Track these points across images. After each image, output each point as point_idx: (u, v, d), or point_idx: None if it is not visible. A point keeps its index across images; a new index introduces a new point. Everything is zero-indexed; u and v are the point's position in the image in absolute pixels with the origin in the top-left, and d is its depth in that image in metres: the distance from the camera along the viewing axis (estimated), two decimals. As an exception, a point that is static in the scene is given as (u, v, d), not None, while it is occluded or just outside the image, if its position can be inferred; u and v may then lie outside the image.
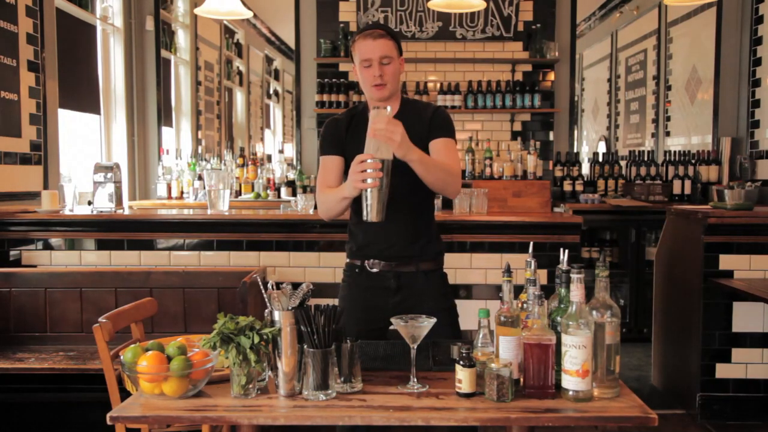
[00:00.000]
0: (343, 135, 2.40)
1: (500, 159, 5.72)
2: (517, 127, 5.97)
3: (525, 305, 1.83)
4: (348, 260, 2.47)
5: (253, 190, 5.75)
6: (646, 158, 5.62)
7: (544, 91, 5.88)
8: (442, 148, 2.38)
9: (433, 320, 1.85)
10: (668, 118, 6.60)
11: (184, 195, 5.58)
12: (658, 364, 4.06)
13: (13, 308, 3.29)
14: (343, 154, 2.39)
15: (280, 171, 5.89)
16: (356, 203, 2.33)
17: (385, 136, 2.04)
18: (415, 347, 1.82)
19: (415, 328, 1.82)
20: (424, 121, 2.38)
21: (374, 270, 2.38)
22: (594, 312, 1.73)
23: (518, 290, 1.88)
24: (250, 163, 5.89)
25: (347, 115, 2.45)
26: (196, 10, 4.76)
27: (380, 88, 2.32)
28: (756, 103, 5.20)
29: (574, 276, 1.71)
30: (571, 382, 1.68)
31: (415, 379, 1.80)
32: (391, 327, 2.41)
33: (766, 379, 3.54)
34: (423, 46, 5.89)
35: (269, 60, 9.60)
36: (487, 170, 5.59)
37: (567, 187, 5.48)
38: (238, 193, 5.76)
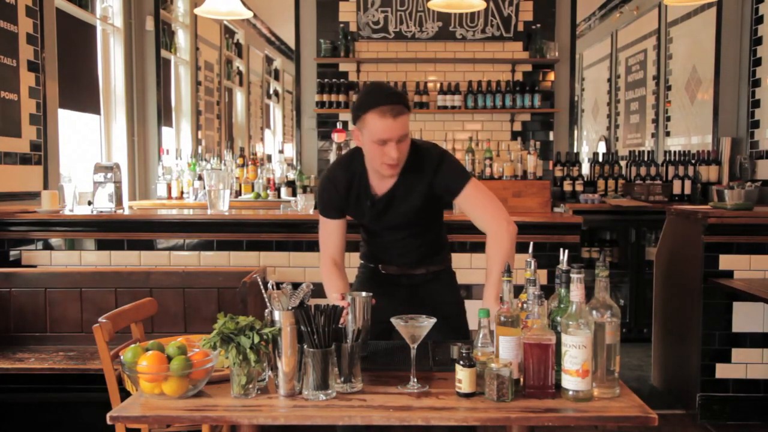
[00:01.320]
0: (342, 200, 2.33)
1: (500, 159, 5.73)
2: (517, 127, 5.97)
3: (525, 305, 1.83)
4: (362, 261, 2.57)
5: (253, 190, 5.75)
6: (646, 158, 5.62)
7: (544, 91, 5.88)
8: (471, 197, 2.25)
9: (433, 320, 1.85)
10: (668, 118, 6.60)
11: (184, 195, 5.58)
12: (658, 364, 4.06)
13: (13, 308, 3.29)
14: (343, 216, 2.38)
15: (280, 171, 5.90)
16: (364, 233, 2.48)
17: None
18: (415, 347, 1.82)
19: (414, 328, 1.82)
20: (426, 177, 2.26)
21: (385, 272, 2.47)
22: (594, 312, 1.73)
23: (518, 290, 1.88)
24: (250, 163, 5.89)
25: (345, 178, 2.31)
26: (196, 10, 4.76)
27: (393, 168, 2.19)
28: (756, 103, 5.20)
29: (574, 276, 1.71)
30: (571, 382, 1.68)
31: (415, 380, 1.81)
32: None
33: (766, 379, 3.54)
34: (423, 46, 5.89)
35: (269, 60, 9.60)
36: (487, 170, 5.59)
37: (567, 187, 5.48)
38: (238, 193, 5.76)
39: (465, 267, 3.56)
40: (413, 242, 2.41)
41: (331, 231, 2.39)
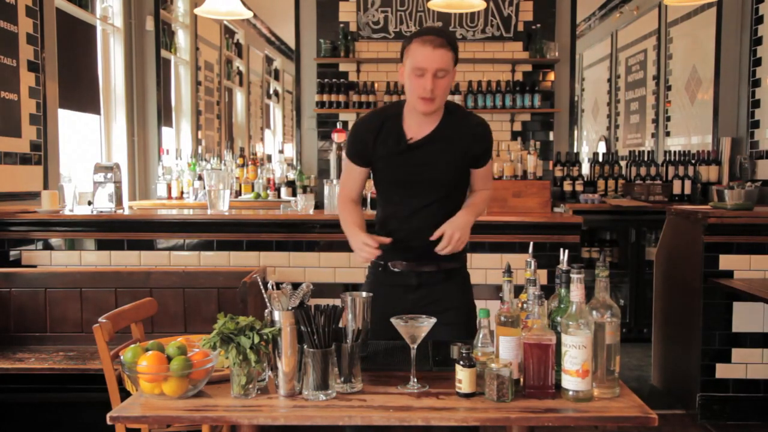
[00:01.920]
0: (370, 143, 2.30)
1: (500, 159, 5.72)
2: (517, 127, 5.97)
3: (525, 305, 1.83)
4: (372, 259, 2.44)
5: (253, 190, 5.75)
6: (646, 158, 5.62)
7: (544, 91, 5.88)
8: (486, 171, 2.40)
9: (433, 320, 1.85)
10: (668, 118, 6.60)
11: (184, 195, 5.58)
12: (658, 364, 4.06)
13: (13, 308, 3.29)
14: (367, 164, 2.36)
15: (280, 171, 5.90)
16: (381, 211, 2.42)
17: (455, 247, 2.21)
18: (415, 347, 1.82)
19: (414, 328, 1.82)
20: (468, 139, 2.29)
21: (396, 270, 2.37)
22: (594, 312, 1.73)
23: (518, 290, 1.88)
24: (250, 163, 5.89)
25: (378, 120, 2.31)
26: (196, 10, 4.76)
27: (428, 103, 2.17)
28: (756, 103, 5.20)
29: (574, 276, 1.71)
30: (571, 382, 1.68)
31: (415, 380, 1.80)
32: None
33: (766, 379, 3.54)
34: (423, 46, 5.88)
35: (269, 60, 9.60)
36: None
37: (567, 187, 5.48)
38: (238, 193, 5.76)
39: (465, 267, 3.56)
40: (432, 216, 2.28)
41: (351, 173, 2.40)
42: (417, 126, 2.27)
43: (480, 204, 2.40)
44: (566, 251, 1.84)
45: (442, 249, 2.22)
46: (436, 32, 2.17)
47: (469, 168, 2.36)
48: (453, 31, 2.37)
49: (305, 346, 1.72)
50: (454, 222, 2.25)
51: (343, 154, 2.41)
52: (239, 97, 8.49)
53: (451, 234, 2.20)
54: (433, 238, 2.24)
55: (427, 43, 2.13)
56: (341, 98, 5.79)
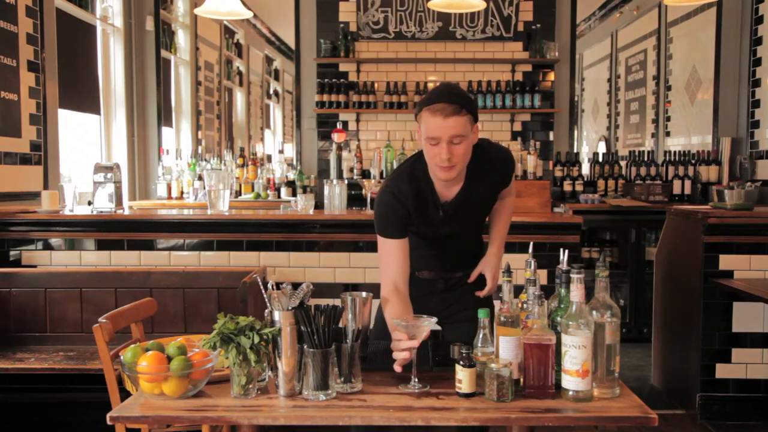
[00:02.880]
0: (408, 215, 2.18)
1: (500, 159, 5.72)
2: (517, 127, 5.97)
3: (525, 305, 1.83)
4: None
5: (253, 190, 5.75)
6: (646, 158, 5.62)
7: (544, 91, 5.87)
8: (510, 186, 2.41)
9: (434, 320, 1.85)
10: (668, 118, 6.60)
11: (184, 195, 5.58)
12: (658, 364, 4.06)
13: (13, 308, 3.29)
14: (405, 234, 2.20)
15: (280, 171, 5.90)
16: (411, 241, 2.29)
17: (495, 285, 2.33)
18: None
19: (414, 327, 1.82)
20: (495, 176, 2.28)
21: (422, 277, 2.40)
22: (594, 312, 1.73)
23: (518, 290, 1.88)
24: (250, 163, 5.89)
25: (412, 188, 2.17)
26: (196, 10, 4.76)
27: (446, 171, 2.07)
28: (756, 103, 5.20)
29: (574, 276, 1.71)
30: (571, 382, 1.68)
31: (416, 379, 1.81)
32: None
33: (766, 379, 3.54)
34: (423, 46, 5.89)
35: (269, 60, 9.60)
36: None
37: (567, 187, 5.48)
38: (238, 193, 5.76)
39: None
40: (460, 245, 2.37)
41: (392, 251, 2.17)
42: (446, 187, 2.20)
43: (505, 228, 2.47)
44: (566, 251, 1.84)
45: (486, 293, 2.37)
46: (446, 98, 2.04)
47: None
48: (464, 92, 2.18)
49: (305, 346, 1.72)
50: (490, 262, 2.38)
51: (377, 236, 2.22)
52: (239, 97, 8.49)
53: (493, 277, 2.36)
54: (471, 280, 2.38)
55: (438, 113, 2.02)
56: (341, 98, 5.79)
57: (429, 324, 1.83)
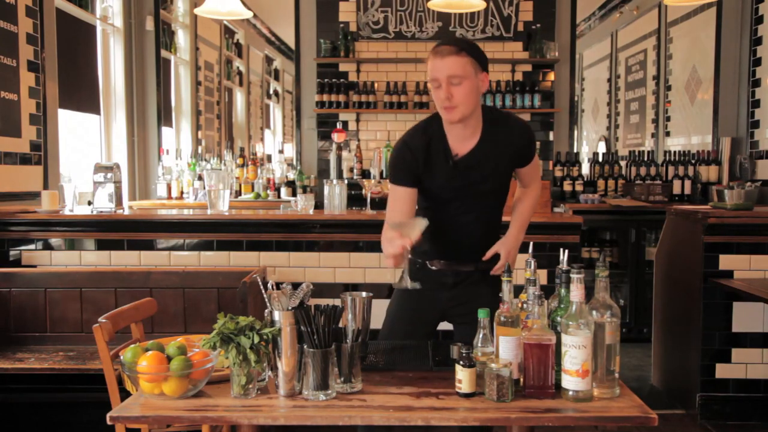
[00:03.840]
0: (419, 164, 2.24)
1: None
2: (517, 127, 5.96)
3: (525, 305, 1.83)
4: (410, 257, 2.33)
5: (253, 190, 5.75)
6: (646, 158, 5.62)
7: (544, 91, 5.88)
8: (532, 168, 2.40)
9: (425, 220, 1.98)
10: (668, 118, 6.60)
11: (184, 195, 5.58)
12: (658, 364, 4.06)
13: (13, 308, 3.29)
14: (415, 184, 2.27)
15: (280, 171, 5.89)
16: (422, 212, 2.33)
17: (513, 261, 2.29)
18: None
19: (406, 226, 1.91)
20: (513, 146, 2.28)
21: (434, 268, 2.37)
22: (594, 312, 1.73)
23: (518, 290, 1.88)
24: (250, 163, 5.89)
25: (424, 138, 2.25)
26: (196, 10, 4.76)
27: (449, 111, 2.14)
28: (756, 103, 5.20)
29: (574, 276, 1.71)
30: (571, 382, 1.68)
31: (408, 278, 1.99)
32: (439, 327, 2.44)
33: (766, 379, 3.54)
34: (423, 46, 5.89)
35: (269, 60, 9.61)
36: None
37: (567, 187, 5.47)
38: (238, 193, 5.76)
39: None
40: (472, 227, 2.31)
41: (399, 197, 2.26)
42: (460, 141, 2.24)
43: (528, 213, 2.44)
44: (566, 251, 1.84)
45: (499, 269, 2.31)
46: (447, 42, 2.16)
47: (513, 169, 2.37)
48: (470, 41, 2.26)
49: (305, 346, 1.72)
50: (508, 242, 2.35)
51: (388, 183, 2.30)
52: (239, 97, 8.49)
53: (507, 254, 2.31)
54: (486, 258, 2.32)
55: (437, 54, 2.12)
56: (341, 98, 5.79)
57: (421, 223, 1.86)
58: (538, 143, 5.64)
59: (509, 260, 2.30)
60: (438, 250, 2.35)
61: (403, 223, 1.87)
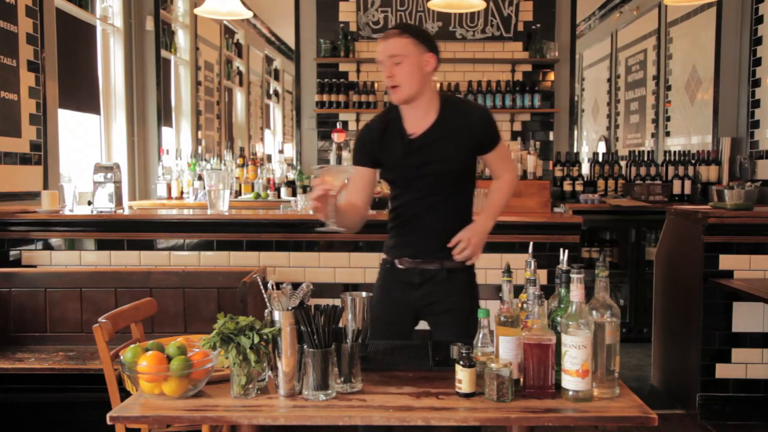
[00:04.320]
0: (377, 143, 2.34)
1: (500, 159, 5.71)
2: (517, 127, 5.97)
3: (525, 305, 1.83)
4: (383, 256, 2.46)
5: (253, 190, 5.75)
6: (646, 158, 5.62)
7: (544, 91, 5.88)
8: (498, 157, 2.39)
9: (351, 168, 2.15)
10: (668, 118, 6.60)
11: (184, 195, 5.58)
12: (658, 364, 4.06)
13: (13, 308, 3.29)
14: (373, 164, 2.36)
15: (280, 171, 5.89)
16: (391, 209, 2.41)
17: (473, 252, 2.25)
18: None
19: (327, 171, 1.99)
20: (470, 128, 2.29)
21: (401, 267, 2.38)
22: (594, 312, 1.73)
23: (518, 290, 1.88)
24: (250, 163, 5.89)
25: (380, 122, 2.37)
26: (196, 10, 4.76)
27: (393, 91, 2.24)
28: (756, 103, 5.20)
29: (574, 276, 1.71)
30: (571, 382, 1.68)
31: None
32: (417, 327, 2.45)
33: (766, 379, 3.54)
34: (423, 46, 5.88)
35: (269, 60, 9.61)
36: (487, 170, 5.58)
37: (567, 187, 5.47)
38: (238, 193, 5.76)
39: (465, 267, 3.56)
40: (440, 213, 2.31)
41: (358, 177, 2.36)
42: (416, 122, 2.30)
43: (498, 201, 2.40)
44: (566, 251, 1.84)
45: (458, 253, 2.26)
46: (394, 26, 2.29)
47: (476, 156, 2.36)
48: (417, 26, 2.36)
49: (305, 346, 1.72)
50: (473, 227, 2.30)
51: (352, 165, 2.40)
52: (239, 97, 8.49)
53: (468, 238, 2.25)
54: (451, 244, 2.27)
55: (381, 39, 2.26)
56: (341, 98, 5.79)
57: (347, 170, 1.99)
58: (538, 143, 5.64)
59: (474, 249, 2.26)
60: (404, 244, 2.37)
61: (327, 168, 1.95)
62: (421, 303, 2.36)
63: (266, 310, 1.80)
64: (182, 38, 6.57)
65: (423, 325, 2.47)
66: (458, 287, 2.37)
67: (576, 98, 6.85)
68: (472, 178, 2.40)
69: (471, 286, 2.44)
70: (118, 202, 3.77)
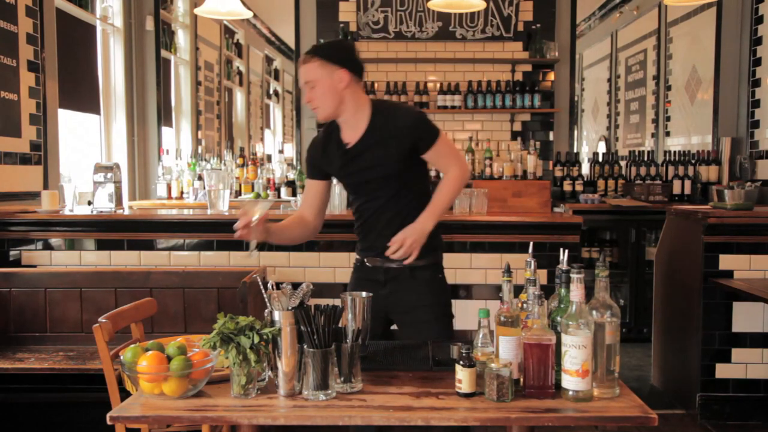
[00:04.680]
0: (320, 156, 2.46)
1: (500, 159, 5.73)
2: (517, 127, 5.97)
3: (525, 305, 1.83)
4: (356, 256, 2.58)
5: (253, 190, 5.75)
6: (646, 158, 5.62)
7: (544, 91, 5.88)
8: (438, 155, 2.40)
9: (268, 202, 2.26)
10: (668, 118, 6.60)
11: (184, 195, 5.58)
12: (658, 364, 4.06)
13: (13, 308, 3.29)
14: (323, 177, 2.49)
15: (280, 171, 5.89)
16: (353, 212, 2.51)
17: (412, 248, 2.28)
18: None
19: (248, 204, 2.15)
20: (400, 131, 2.33)
21: (369, 265, 2.48)
22: (594, 312, 1.73)
23: (518, 290, 1.88)
24: (250, 163, 5.89)
25: (324, 134, 2.47)
26: (196, 10, 4.76)
27: (316, 112, 2.34)
28: (756, 103, 5.20)
29: (574, 276, 1.71)
30: (571, 382, 1.68)
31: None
32: (393, 327, 2.49)
33: (766, 379, 3.54)
34: (423, 46, 5.89)
35: (269, 60, 9.61)
36: (487, 170, 5.59)
37: (567, 187, 5.47)
38: (238, 193, 5.75)
39: (465, 267, 3.56)
40: (391, 213, 2.38)
41: (308, 190, 2.52)
42: (350, 132, 2.38)
43: (441, 199, 2.39)
44: (566, 251, 1.84)
45: (391, 253, 2.32)
46: (310, 50, 2.35)
47: (416, 157, 2.38)
48: (330, 42, 2.60)
49: (305, 346, 1.72)
50: (411, 227, 2.34)
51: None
52: (239, 97, 8.49)
53: (403, 239, 2.30)
54: (390, 244, 2.33)
55: (299, 64, 2.34)
56: (341, 98, 5.78)
57: (264, 204, 2.13)
58: (538, 143, 5.64)
59: (407, 249, 2.29)
60: (367, 246, 2.48)
61: (247, 201, 2.05)
62: (387, 300, 2.40)
63: (266, 310, 1.80)
64: (182, 38, 6.57)
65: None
66: (422, 285, 2.43)
67: (576, 98, 6.85)
68: (421, 176, 2.47)
69: (437, 283, 2.48)
70: (118, 202, 3.77)
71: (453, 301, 2.57)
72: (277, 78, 9.87)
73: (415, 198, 2.42)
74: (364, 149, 2.36)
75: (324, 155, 2.44)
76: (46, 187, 4.29)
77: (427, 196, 2.43)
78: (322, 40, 5.81)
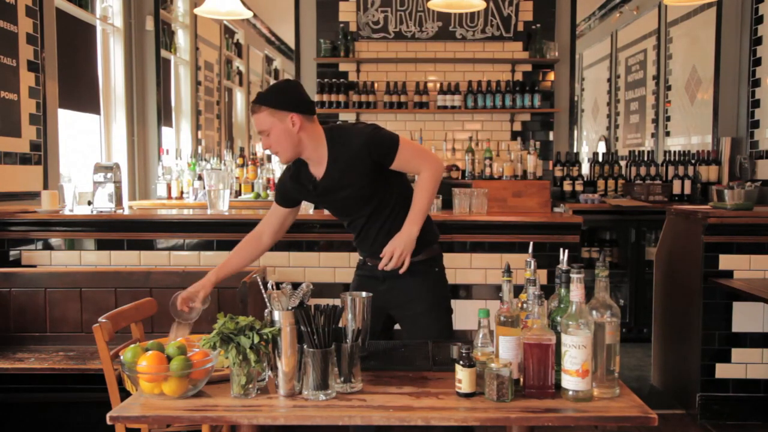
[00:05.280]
0: (291, 187, 2.51)
1: (500, 159, 5.73)
2: (517, 127, 5.97)
3: (525, 305, 1.83)
4: (359, 256, 2.64)
5: (253, 190, 5.75)
6: (646, 158, 5.62)
7: (544, 91, 5.88)
8: (405, 162, 2.39)
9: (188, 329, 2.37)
10: (668, 118, 6.60)
11: (184, 195, 5.58)
12: (658, 364, 4.06)
13: (13, 308, 3.29)
14: (287, 204, 2.56)
15: (280, 171, 5.88)
16: (347, 227, 2.58)
17: (403, 257, 2.34)
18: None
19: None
20: (358, 154, 2.34)
21: (370, 264, 2.52)
22: (594, 312, 1.73)
23: (518, 290, 1.88)
24: (250, 163, 5.88)
25: (295, 167, 2.48)
26: (196, 10, 4.76)
27: (278, 156, 2.39)
28: (756, 103, 5.20)
29: (574, 276, 1.71)
30: (571, 382, 1.68)
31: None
32: (396, 327, 2.51)
33: (766, 379, 3.54)
34: (423, 46, 5.89)
35: (269, 60, 9.61)
36: (487, 170, 5.59)
37: (567, 187, 5.47)
38: (238, 193, 5.75)
39: (465, 267, 3.57)
40: (376, 225, 2.44)
41: (270, 212, 2.59)
42: (317, 166, 2.42)
43: (419, 203, 2.40)
44: (566, 251, 1.84)
45: (383, 266, 2.36)
46: (254, 100, 2.34)
47: (384, 170, 2.39)
48: (272, 87, 2.43)
49: (305, 346, 1.72)
50: (398, 237, 2.37)
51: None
52: (239, 97, 8.49)
53: (391, 251, 2.35)
54: (381, 256, 2.38)
55: (251, 113, 2.36)
56: (341, 98, 5.79)
57: (184, 328, 2.31)
58: (538, 143, 5.64)
59: (398, 260, 2.34)
60: (366, 253, 2.54)
61: (176, 323, 2.35)
62: (387, 296, 2.43)
63: (266, 310, 1.80)
64: (182, 38, 6.57)
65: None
66: (420, 280, 2.46)
67: (576, 98, 6.85)
68: (397, 179, 2.46)
69: (435, 277, 2.51)
70: (118, 202, 3.77)
71: (453, 301, 2.58)
72: (277, 78, 9.87)
73: (399, 201, 2.44)
74: (333, 179, 2.39)
75: (296, 187, 2.48)
76: (46, 187, 4.29)
77: (410, 190, 2.46)
78: (321, 41, 5.81)
